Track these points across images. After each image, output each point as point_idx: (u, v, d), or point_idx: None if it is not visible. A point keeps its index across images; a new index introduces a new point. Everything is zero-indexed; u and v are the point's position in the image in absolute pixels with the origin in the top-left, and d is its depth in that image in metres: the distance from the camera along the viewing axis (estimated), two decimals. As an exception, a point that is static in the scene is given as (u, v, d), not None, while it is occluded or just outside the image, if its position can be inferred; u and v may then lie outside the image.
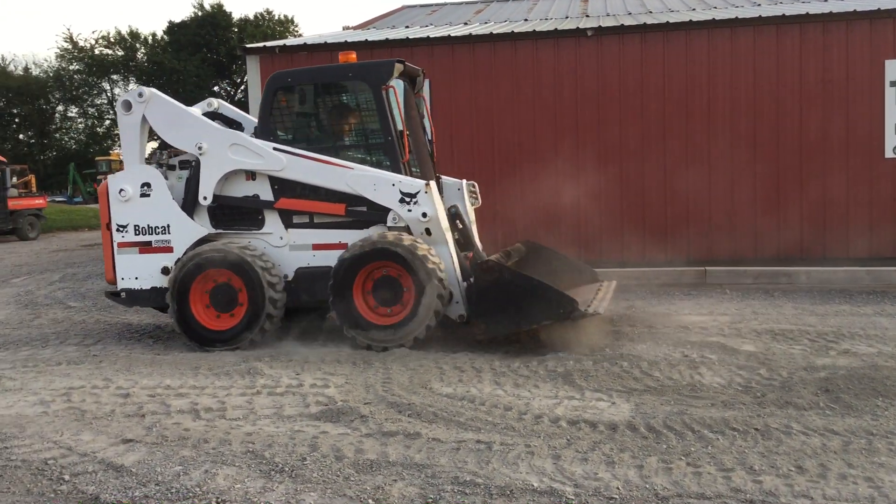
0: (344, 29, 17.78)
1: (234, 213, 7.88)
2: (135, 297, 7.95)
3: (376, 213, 7.53)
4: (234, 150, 7.66)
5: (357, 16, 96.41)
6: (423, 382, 6.09)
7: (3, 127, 48.14)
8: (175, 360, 7.13)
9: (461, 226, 7.89)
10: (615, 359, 6.63)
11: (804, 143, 10.97)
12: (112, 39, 49.72)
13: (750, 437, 4.70)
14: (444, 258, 7.35)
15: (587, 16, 14.37)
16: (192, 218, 7.84)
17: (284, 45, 12.38)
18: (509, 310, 6.94)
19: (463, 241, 7.86)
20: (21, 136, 50.41)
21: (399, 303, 7.27)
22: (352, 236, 7.56)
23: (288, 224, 7.78)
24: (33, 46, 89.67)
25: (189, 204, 7.87)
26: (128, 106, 7.84)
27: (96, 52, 49.53)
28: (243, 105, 13.64)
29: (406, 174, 7.57)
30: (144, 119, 7.83)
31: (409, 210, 7.36)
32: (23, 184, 27.68)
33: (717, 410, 5.23)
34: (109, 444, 4.90)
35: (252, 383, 6.22)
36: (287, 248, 7.77)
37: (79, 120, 52.16)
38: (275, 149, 7.60)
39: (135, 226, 7.84)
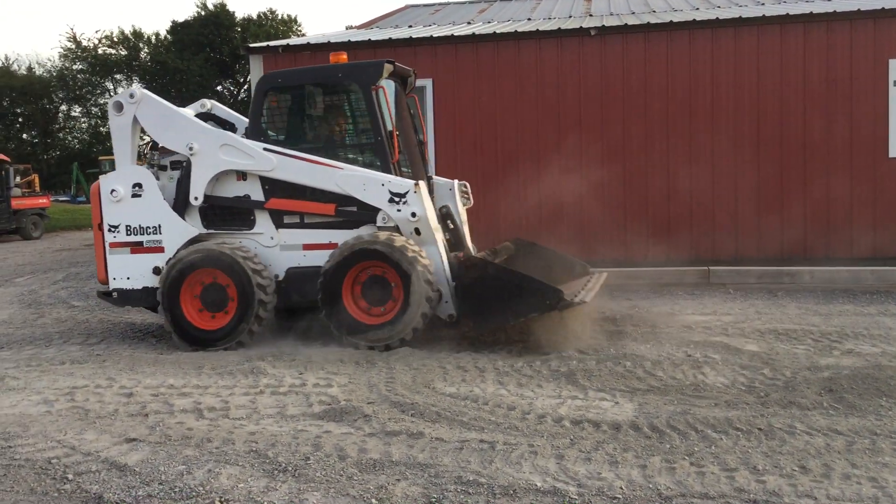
0: (347, 28, 17.80)
1: (225, 214, 7.88)
2: (126, 298, 7.96)
3: (366, 213, 7.53)
4: (224, 151, 7.66)
5: (360, 15, 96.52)
6: (427, 382, 6.09)
7: (6, 126, 48.12)
8: (178, 360, 7.14)
9: (452, 226, 7.90)
10: (618, 358, 6.62)
11: (808, 143, 10.94)
12: (115, 39, 49.66)
13: (753, 436, 4.70)
14: (434, 258, 7.35)
15: (590, 15, 14.37)
16: (184, 218, 7.84)
17: (288, 44, 12.38)
18: (496, 305, 6.94)
19: (454, 242, 7.86)
20: (24, 136, 50.39)
21: (390, 299, 7.28)
22: (342, 236, 7.54)
23: (279, 224, 7.79)
24: (37, 46, 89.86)
25: (180, 204, 7.87)
26: (119, 107, 7.85)
27: (100, 51, 49.47)
28: (246, 104, 13.64)
29: (396, 174, 7.57)
30: (136, 120, 7.84)
31: (399, 210, 7.36)
32: (26, 183, 27.76)
33: (721, 410, 5.22)
34: (113, 444, 4.91)
35: (255, 383, 6.23)
36: (278, 248, 7.77)
37: (82, 119, 52.14)
38: (265, 149, 7.60)
39: (126, 226, 7.85)
